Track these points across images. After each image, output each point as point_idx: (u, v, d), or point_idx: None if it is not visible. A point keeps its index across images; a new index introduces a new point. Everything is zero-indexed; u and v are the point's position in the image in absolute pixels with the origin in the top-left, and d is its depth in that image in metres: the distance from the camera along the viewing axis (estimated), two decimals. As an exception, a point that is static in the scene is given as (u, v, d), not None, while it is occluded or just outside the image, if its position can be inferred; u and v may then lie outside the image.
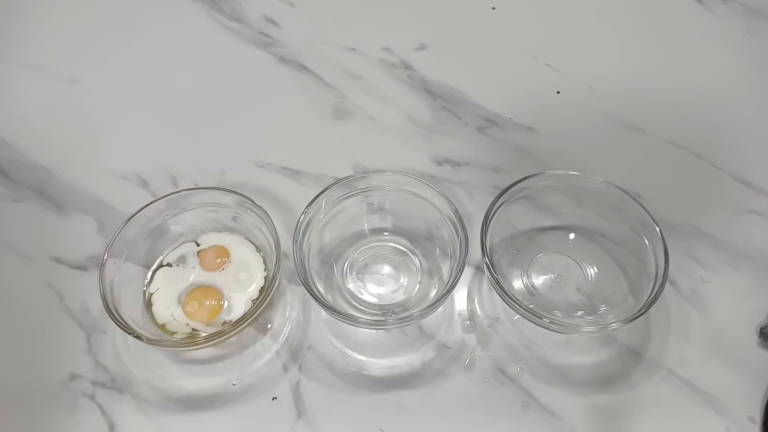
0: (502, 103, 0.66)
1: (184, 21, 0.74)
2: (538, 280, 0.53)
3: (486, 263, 0.49)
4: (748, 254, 0.56)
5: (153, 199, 0.52)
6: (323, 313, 0.52)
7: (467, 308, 0.53)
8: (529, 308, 0.47)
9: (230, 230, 0.55)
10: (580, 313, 0.51)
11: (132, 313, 0.49)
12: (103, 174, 0.61)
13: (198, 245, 0.54)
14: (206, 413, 0.48)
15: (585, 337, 0.51)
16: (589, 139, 0.64)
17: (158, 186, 0.60)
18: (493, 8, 0.75)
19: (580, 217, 0.55)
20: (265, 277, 0.52)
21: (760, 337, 0.51)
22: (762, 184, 0.60)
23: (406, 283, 0.54)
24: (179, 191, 0.53)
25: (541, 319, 0.47)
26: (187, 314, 0.50)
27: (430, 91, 0.68)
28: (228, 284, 0.52)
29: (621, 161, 0.62)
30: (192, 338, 0.48)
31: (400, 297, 0.53)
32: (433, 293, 0.52)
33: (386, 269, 0.55)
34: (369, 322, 0.49)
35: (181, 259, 0.53)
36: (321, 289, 0.51)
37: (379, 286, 0.54)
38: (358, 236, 0.56)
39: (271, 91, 0.68)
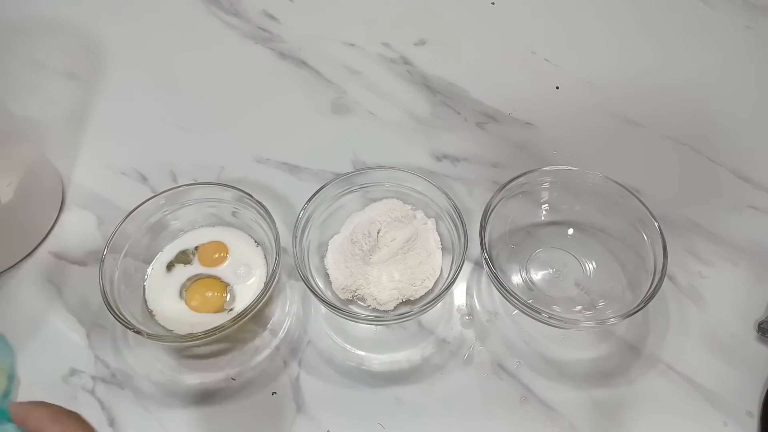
0: (501, 98, 0.66)
1: (183, 16, 0.74)
2: (537, 276, 0.54)
3: (485, 258, 0.49)
4: (747, 249, 0.56)
5: (152, 195, 0.52)
6: (323, 308, 0.52)
7: (466, 303, 0.53)
8: (528, 303, 0.47)
9: (229, 225, 0.55)
10: (578, 308, 0.52)
11: (132, 308, 0.49)
12: (102, 169, 0.61)
13: (175, 239, 0.54)
14: (206, 408, 0.48)
15: (583, 331, 0.51)
16: (587, 135, 0.64)
17: (157, 181, 0.60)
18: (493, 3, 0.75)
19: (579, 212, 0.55)
20: (265, 273, 0.52)
21: (758, 332, 0.51)
22: (761, 179, 0.60)
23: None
24: (178, 187, 0.53)
25: (539, 314, 0.47)
26: (191, 308, 0.51)
27: (429, 86, 0.68)
28: (227, 279, 0.52)
29: (620, 156, 0.62)
30: (192, 333, 0.48)
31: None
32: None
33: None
34: (368, 317, 0.49)
35: (181, 255, 0.53)
36: (320, 285, 0.52)
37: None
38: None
39: (271, 87, 0.68)
